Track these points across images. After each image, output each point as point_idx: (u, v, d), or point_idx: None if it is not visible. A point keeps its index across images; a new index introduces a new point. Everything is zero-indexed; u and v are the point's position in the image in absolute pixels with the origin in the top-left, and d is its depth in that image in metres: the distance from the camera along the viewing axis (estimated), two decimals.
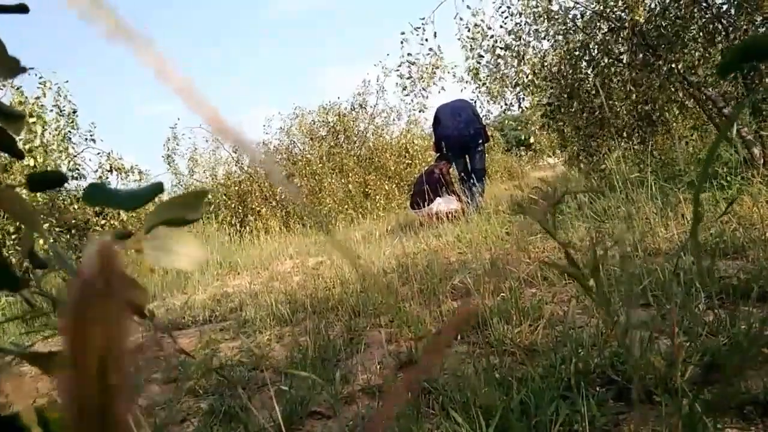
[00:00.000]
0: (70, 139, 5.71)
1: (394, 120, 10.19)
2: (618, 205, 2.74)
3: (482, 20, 4.42)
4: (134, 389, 0.14)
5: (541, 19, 4.05)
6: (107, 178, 5.94)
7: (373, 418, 0.20)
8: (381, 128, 10.06)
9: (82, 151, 5.80)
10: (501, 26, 4.39)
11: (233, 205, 8.19)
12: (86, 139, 5.89)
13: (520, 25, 4.25)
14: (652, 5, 3.38)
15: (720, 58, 3.23)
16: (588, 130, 3.98)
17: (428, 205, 4.90)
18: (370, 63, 18.90)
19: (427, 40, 4.53)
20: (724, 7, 3.14)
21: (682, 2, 3.20)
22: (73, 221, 5.19)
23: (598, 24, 3.76)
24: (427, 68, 4.57)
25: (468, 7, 5.12)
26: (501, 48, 4.39)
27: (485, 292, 1.83)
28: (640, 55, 3.47)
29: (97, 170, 5.92)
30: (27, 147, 4.90)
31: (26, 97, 5.14)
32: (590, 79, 3.88)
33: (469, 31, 4.44)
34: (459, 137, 5.05)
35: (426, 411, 1.13)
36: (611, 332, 1.13)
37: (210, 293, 3.35)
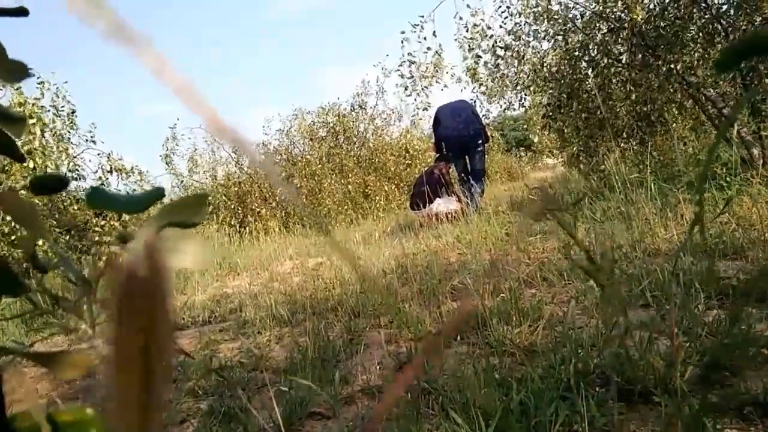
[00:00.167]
0: (69, 139, 5.71)
1: (394, 121, 10.20)
2: (617, 206, 2.75)
3: (482, 20, 4.42)
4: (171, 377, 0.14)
5: (541, 19, 4.06)
6: (107, 179, 5.94)
7: (372, 417, 0.20)
8: (381, 129, 10.06)
9: (81, 152, 5.80)
10: (500, 26, 4.39)
11: (233, 206, 8.19)
12: (86, 140, 5.89)
13: (520, 26, 4.26)
14: (651, 6, 3.38)
15: (718, 56, 3.23)
16: (588, 131, 3.99)
17: (428, 205, 4.90)
18: (369, 63, 18.92)
19: (426, 38, 4.53)
20: (724, 7, 3.15)
21: (681, 3, 3.20)
22: (73, 222, 5.19)
23: (597, 24, 3.77)
24: (427, 67, 4.58)
25: (468, 6, 5.12)
26: (501, 48, 4.39)
27: (485, 292, 1.84)
28: (640, 56, 3.47)
29: (96, 171, 5.92)
30: (26, 149, 4.91)
31: (26, 98, 5.15)
32: (590, 80, 3.89)
33: (467, 30, 4.44)
34: (458, 137, 5.05)
35: (426, 411, 1.13)
36: (622, 334, 1.13)
37: (209, 294, 3.35)
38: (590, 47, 3.85)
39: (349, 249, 3.89)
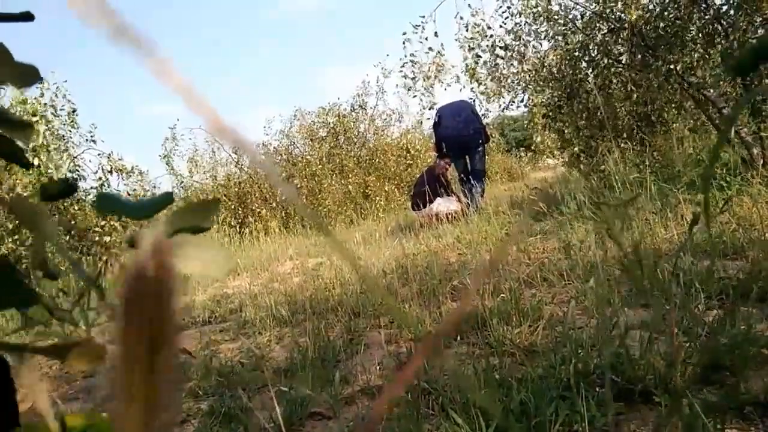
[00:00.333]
0: (70, 139, 5.72)
1: (394, 121, 10.20)
2: (617, 206, 2.74)
3: (482, 20, 4.42)
4: (181, 376, 0.15)
5: (541, 19, 4.06)
6: (107, 179, 5.94)
7: (371, 417, 0.20)
8: (381, 129, 10.06)
9: (82, 152, 5.80)
10: (501, 26, 4.39)
11: (233, 206, 8.20)
12: (87, 140, 5.89)
13: (520, 25, 4.26)
14: (651, 6, 3.38)
15: (720, 61, 3.23)
16: (588, 131, 3.99)
17: (428, 205, 4.91)
18: (370, 63, 18.94)
19: (427, 38, 4.53)
20: (724, 8, 3.15)
21: (681, 3, 3.20)
22: (74, 223, 5.19)
23: (597, 25, 3.77)
24: (429, 67, 4.57)
25: (469, 6, 5.11)
26: (501, 48, 4.39)
27: (485, 292, 1.84)
28: (640, 56, 3.47)
29: (97, 171, 5.92)
30: (31, 146, 4.91)
31: (26, 98, 5.15)
32: (590, 80, 3.89)
33: (467, 30, 4.44)
34: (458, 137, 5.05)
35: (426, 412, 1.13)
36: (623, 334, 1.14)
37: (210, 294, 3.35)
38: (590, 47, 3.85)
39: (349, 249, 3.88)
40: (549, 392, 1.01)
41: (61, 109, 5.57)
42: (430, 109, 5.00)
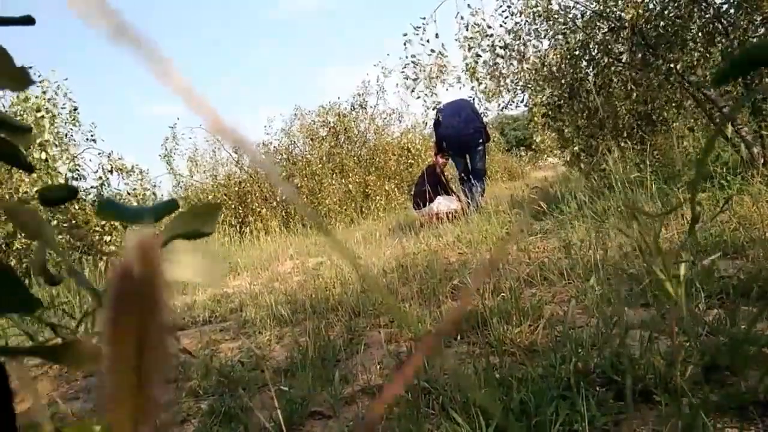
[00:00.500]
0: (72, 137, 5.71)
1: (394, 121, 10.20)
2: (617, 206, 2.74)
3: (483, 19, 4.41)
4: (171, 374, 0.15)
5: (541, 18, 4.05)
6: (107, 178, 5.93)
7: (369, 416, 0.20)
8: (381, 129, 10.06)
9: (82, 152, 5.80)
10: (501, 26, 4.39)
11: (233, 206, 8.20)
12: (87, 139, 5.88)
13: (520, 25, 4.25)
14: (651, 5, 3.38)
15: (720, 60, 3.23)
16: (588, 130, 3.99)
17: (429, 204, 4.91)
18: (370, 63, 18.93)
19: (428, 41, 4.52)
20: (724, 6, 3.14)
21: (681, 1, 3.20)
22: (74, 222, 5.19)
23: (597, 24, 3.77)
24: (431, 68, 4.57)
25: (468, 6, 5.10)
26: (501, 47, 4.39)
27: (485, 292, 1.84)
28: (640, 55, 3.47)
29: (97, 170, 5.91)
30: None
31: (27, 96, 5.16)
32: (590, 79, 3.88)
33: (467, 30, 4.44)
34: (459, 136, 5.04)
35: (426, 411, 1.13)
36: (623, 333, 1.14)
37: (210, 294, 3.35)
38: (591, 46, 3.85)
39: (349, 249, 3.88)
40: (549, 392, 1.01)
41: (62, 108, 5.57)
42: (434, 109, 4.99)
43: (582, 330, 1.36)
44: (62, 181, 5.49)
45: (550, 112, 4.20)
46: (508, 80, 4.50)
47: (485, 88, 4.66)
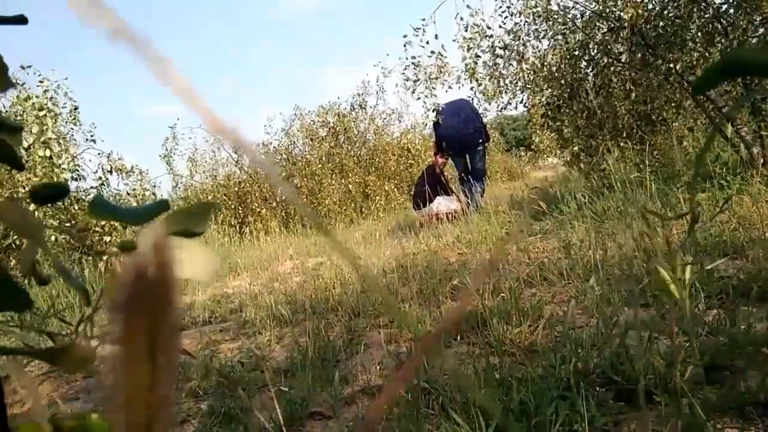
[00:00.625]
0: (72, 137, 5.71)
1: (394, 121, 10.20)
2: (617, 205, 2.75)
3: (482, 20, 4.41)
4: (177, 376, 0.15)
5: (540, 19, 4.05)
6: (107, 178, 5.93)
7: (368, 416, 0.20)
8: (381, 129, 10.06)
9: (82, 152, 5.79)
10: (500, 26, 4.38)
11: (233, 206, 8.20)
12: (86, 139, 5.88)
13: (520, 25, 4.25)
14: (650, 5, 3.38)
15: (721, 57, 3.22)
16: (588, 130, 3.99)
17: (428, 205, 4.91)
18: (370, 63, 18.93)
19: (428, 42, 4.52)
20: (724, 6, 3.15)
21: (680, 1, 3.20)
22: (75, 222, 5.19)
23: (597, 24, 3.77)
24: (432, 71, 4.57)
25: (468, 6, 5.10)
26: (500, 48, 4.39)
27: (485, 292, 1.84)
28: (639, 55, 3.47)
29: (97, 171, 5.91)
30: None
31: (27, 95, 5.16)
32: (590, 79, 3.88)
33: (466, 30, 4.44)
34: (458, 136, 5.04)
35: (426, 411, 1.13)
36: (623, 333, 1.13)
37: (210, 294, 3.35)
38: (590, 46, 3.85)
39: (349, 249, 3.88)
40: (549, 392, 1.01)
41: (62, 107, 5.57)
42: (433, 111, 5.00)
43: (582, 330, 1.36)
44: (67, 178, 5.51)
45: (549, 113, 4.20)
46: (507, 81, 4.50)
47: (484, 88, 4.66)
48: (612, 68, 3.77)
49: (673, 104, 3.70)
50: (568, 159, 4.34)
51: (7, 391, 0.28)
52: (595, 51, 3.84)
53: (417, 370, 1.24)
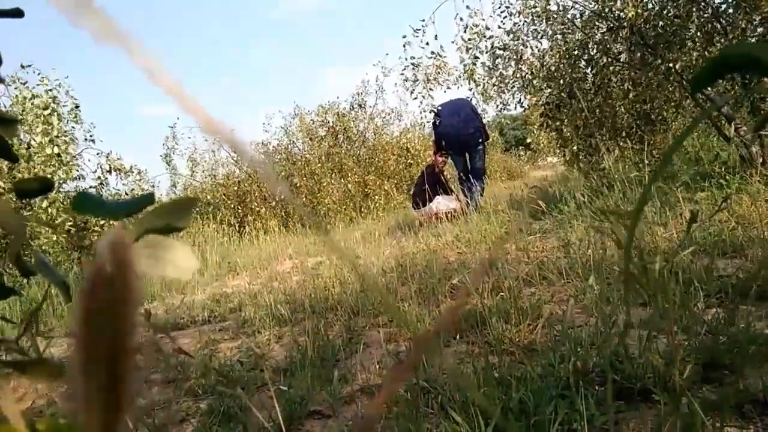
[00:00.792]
0: (73, 135, 5.72)
1: (393, 120, 10.21)
2: (617, 205, 2.75)
3: (482, 19, 4.41)
4: (139, 376, 0.14)
5: (539, 19, 4.05)
6: (106, 178, 5.93)
7: (367, 415, 0.20)
8: (380, 128, 10.06)
9: (81, 152, 5.79)
10: (499, 26, 4.39)
11: (232, 205, 8.19)
12: (85, 139, 5.88)
13: (519, 25, 4.25)
14: (650, 5, 3.38)
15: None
16: (587, 130, 3.99)
17: (428, 204, 4.91)
18: (370, 63, 18.92)
19: (428, 43, 4.52)
20: (723, 6, 3.15)
21: (680, 1, 3.20)
22: (74, 222, 5.18)
23: (596, 23, 3.77)
24: (430, 71, 4.56)
25: (468, 7, 5.11)
26: (499, 48, 4.39)
27: (484, 291, 1.84)
28: (639, 55, 3.47)
29: (96, 170, 5.91)
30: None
31: (32, 94, 5.17)
32: (589, 79, 3.88)
33: (465, 31, 4.44)
34: (458, 135, 5.04)
35: (425, 410, 1.13)
36: (622, 333, 1.14)
37: (209, 293, 3.35)
38: (589, 46, 3.85)
39: (348, 248, 3.89)
40: (548, 391, 1.01)
41: (64, 105, 5.57)
42: (430, 112, 4.99)
43: (581, 329, 1.36)
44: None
45: (549, 112, 4.20)
46: (506, 81, 4.51)
47: (483, 89, 4.66)
48: (611, 68, 3.77)
49: (672, 104, 3.70)
50: (568, 158, 4.34)
51: None
52: (595, 50, 3.84)
53: (416, 369, 1.25)
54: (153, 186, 6.24)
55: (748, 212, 2.11)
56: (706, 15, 3.19)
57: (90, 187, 5.83)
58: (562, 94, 4.00)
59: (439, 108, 5.17)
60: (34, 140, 4.93)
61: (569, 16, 3.93)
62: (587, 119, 3.92)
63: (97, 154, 5.95)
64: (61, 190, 5.36)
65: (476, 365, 1.22)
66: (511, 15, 4.25)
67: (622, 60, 3.68)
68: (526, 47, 4.28)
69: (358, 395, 1.33)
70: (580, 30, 3.85)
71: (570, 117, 4.05)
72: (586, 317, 1.53)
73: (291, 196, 0.16)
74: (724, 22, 3.12)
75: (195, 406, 1.45)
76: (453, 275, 2.23)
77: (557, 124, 4.22)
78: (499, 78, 4.51)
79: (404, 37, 4.47)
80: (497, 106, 4.86)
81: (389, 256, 3.17)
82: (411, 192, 6.14)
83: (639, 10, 3.24)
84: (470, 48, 4.43)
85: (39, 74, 5.40)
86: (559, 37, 4.00)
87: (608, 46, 3.68)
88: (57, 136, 5.11)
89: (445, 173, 5.34)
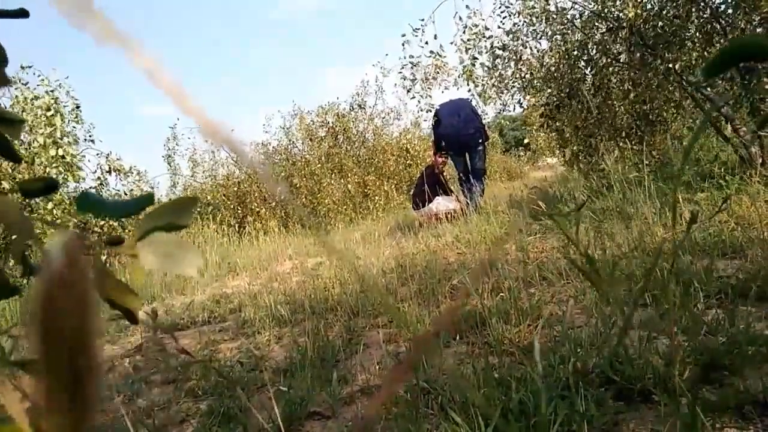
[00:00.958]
0: (74, 135, 5.73)
1: (392, 120, 10.21)
2: (616, 205, 2.75)
3: (482, 19, 4.42)
4: (102, 373, 0.14)
5: (539, 19, 4.06)
6: (105, 179, 5.93)
7: (365, 415, 0.20)
8: (380, 129, 10.07)
9: (81, 152, 5.79)
10: (499, 26, 4.39)
11: (232, 206, 8.19)
12: (85, 139, 5.88)
13: (518, 26, 4.26)
14: (649, 5, 3.38)
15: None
16: (587, 130, 3.99)
17: (428, 204, 4.91)
18: (369, 63, 18.94)
19: (427, 43, 4.53)
20: (722, 6, 3.15)
21: (679, 1, 3.20)
22: (73, 222, 5.18)
23: (596, 24, 3.77)
24: (429, 70, 4.57)
25: (467, 7, 5.12)
26: (499, 48, 4.39)
27: (484, 291, 1.84)
28: (638, 55, 3.47)
29: (95, 171, 5.91)
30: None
31: (35, 95, 5.18)
32: (589, 79, 3.89)
33: (464, 32, 4.44)
34: (458, 136, 5.03)
35: (425, 411, 1.13)
36: (621, 333, 1.13)
37: (209, 294, 3.35)
38: (589, 47, 3.85)
39: (348, 249, 3.89)
40: (548, 391, 1.01)
41: (64, 106, 5.57)
42: (428, 111, 4.99)
43: (581, 330, 1.36)
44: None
45: (549, 113, 4.20)
46: (506, 82, 4.51)
47: (482, 90, 4.66)
48: (611, 68, 3.77)
49: (672, 104, 3.70)
50: (567, 159, 4.34)
51: None
52: (594, 51, 3.84)
53: (416, 370, 1.24)
54: (152, 187, 6.25)
55: (747, 213, 2.11)
56: (705, 15, 3.19)
57: (90, 187, 5.84)
58: (562, 94, 4.00)
59: (439, 108, 5.17)
60: (37, 141, 4.94)
61: (569, 16, 3.94)
62: (587, 119, 3.92)
63: (97, 154, 5.97)
64: (62, 192, 5.37)
65: (476, 366, 1.22)
66: (510, 15, 4.26)
67: (621, 60, 3.68)
68: (526, 47, 4.29)
69: (358, 396, 1.33)
70: (579, 30, 3.85)
71: (570, 117, 4.05)
72: (585, 318, 1.53)
73: (290, 196, 0.16)
74: (723, 22, 3.12)
75: (195, 407, 1.45)
76: (453, 276, 2.23)
77: (557, 124, 4.22)
78: (498, 78, 4.51)
79: (403, 35, 4.47)
80: (496, 107, 4.86)
81: (389, 256, 3.17)
82: (411, 192, 6.14)
83: (638, 11, 3.24)
84: (469, 48, 4.43)
85: (39, 75, 5.41)
86: (559, 37, 4.01)
87: (608, 46, 3.68)
88: (60, 138, 5.12)
89: (444, 174, 5.34)
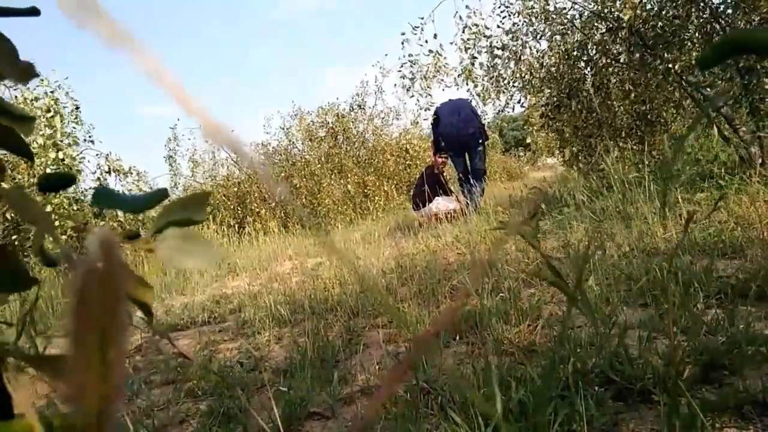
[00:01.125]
0: (74, 136, 5.73)
1: (392, 121, 10.22)
2: (616, 205, 2.75)
3: (482, 19, 4.42)
4: (126, 368, 0.15)
5: (538, 19, 4.06)
6: (105, 179, 5.93)
7: (365, 415, 0.20)
8: (380, 129, 10.07)
9: (81, 152, 5.79)
10: (498, 26, 4.39)
11: (232, 206, 8.19)
12: (85, 140, 5.88)
13: (518, 25, 4.26)
14: (649, 6, 3.39)
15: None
16: (587, 130, 3.99)
17: (428, 205, 4.91)
18: (369, 63, 18.91)
19: (427, 41, 4.53)
20: (722, 7, 3.15)
21: (679, 2, 3.20)
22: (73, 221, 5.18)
23: (596, 24, 3.77)
24: (428, 68, 4.57)
25: (467, 6, 5.13)
26: (498, 48, 4.39)
27: (484, 292, 1.84)
28: (638, 55, 3.48)
29: (95, 171, 5.91)
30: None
31: (35, 96, 5.19)
32: (588, 79, 3.89)
33: (464, 32, 4.44)
34: (458, 136, 5.03)
35: (425, 411, 1.13)
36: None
37: (209, 294, 3.34)
38: (589, 47, 3.86)
39: (348, 249, 3.89)
40: (548, 391, 1.01)
41: (64, 107, 5.57)
42: (426, 110, 4.99)
43: (580, 330, 1.36)
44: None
45: (549, 113, 4.20)
46: (505, 81, 4.51)
47: (482, 90, 4.66)
48: (610, 68, 3.78)
49: (671, 104, 3.71)
50: (567, 159, 4.34)
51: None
52: (594, 51, 3.85)
53: (416, 370, 1.25)
54: (151, 187, 6.24)
55: (747, 213, 2.11)
56: (705, 16, 3.20)
57: (90, 188, 5.84)
58: (562, 94, 4.00)
59: (439, 108, 5.16)
60: (36, 142, 4.94)
61: (568, 16, 3.94)
62: (587, 120, 3.93)
63: (97, 155, 5.96)
64: (60, 195, 5.36)
65: (476, 366, 1.22)
66: (510, 15, 4.26)
67: (621, 61, 3.69)
68: (525, 47, 4.29)
69: (358, 396, 1.33)
70: (579, 30, 3.85)
71: (569, 117, 4.06)
72: (585, 318, 1.53)
73: (290, 197, 0.16)
74: (723, 22, 3.13)
75: (195, 408, 1.45)
76: (453, 276, 2.23)
77: (558, 124, 4.22)
78: (497, 78, 4.51)
79: (403, 34, 4.48)
80: (495, 107, 4.86)
81: (389, 256, 3.17)
82: (411, 193, 6.14)
83: (638, 11, 3.24)
84: (469, 48, 4.43)
85: (39, 76, 5.41)
86: (558, 37, 4.01)
87: (607, 46, 3.68)
88: (60, 140, 5.13)
89: (444, 174, 5.34)
